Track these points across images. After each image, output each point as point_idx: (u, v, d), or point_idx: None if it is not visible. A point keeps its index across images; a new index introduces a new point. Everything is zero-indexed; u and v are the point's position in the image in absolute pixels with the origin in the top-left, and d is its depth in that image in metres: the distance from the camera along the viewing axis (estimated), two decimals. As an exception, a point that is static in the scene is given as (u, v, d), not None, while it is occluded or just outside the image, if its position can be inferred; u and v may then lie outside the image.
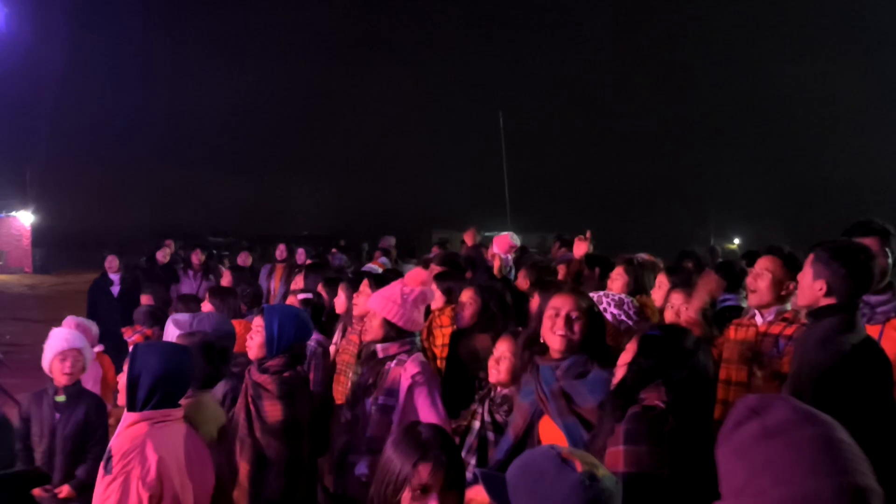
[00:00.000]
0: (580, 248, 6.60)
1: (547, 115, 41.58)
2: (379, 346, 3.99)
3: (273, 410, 3.80)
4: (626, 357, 2.82)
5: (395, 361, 3.92)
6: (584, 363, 3.14)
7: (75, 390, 4.57)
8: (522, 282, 6.31)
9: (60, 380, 4.51)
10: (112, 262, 9.71)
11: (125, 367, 3.08)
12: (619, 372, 2.82)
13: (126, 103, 41.84)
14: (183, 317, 4.84)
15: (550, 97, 42.58)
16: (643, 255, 6.19)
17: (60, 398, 4.50)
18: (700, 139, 39.86)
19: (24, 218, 34.51)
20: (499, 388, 3.61)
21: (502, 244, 7.50)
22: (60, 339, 4.56)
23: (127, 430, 2.96)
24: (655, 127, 42.01)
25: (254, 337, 4.01)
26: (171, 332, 4.81)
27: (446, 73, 45.23)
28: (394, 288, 4.08)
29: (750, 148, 37.62)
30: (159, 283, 8.49)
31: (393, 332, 3.99)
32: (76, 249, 32.71)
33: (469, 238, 8.61)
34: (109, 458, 2.88)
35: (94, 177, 39.71)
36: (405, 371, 3.86)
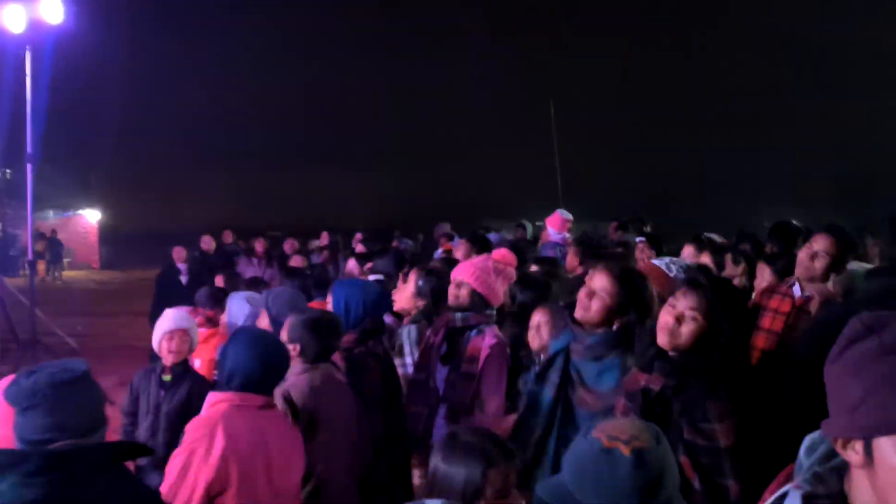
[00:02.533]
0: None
1: (598, 103, 41.05)
2: (459, 315, 3.99)
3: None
4: (692, 328, 2.78)
5: (474, 331, 3.95)
6: (606, 345, 3.08)
7: (181, 369, 4.62)
8: (572, 259, 6.40)
9: (167, 359, 4.56)
10: (180, 253, 10.07)
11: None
12: (685, 342, 2.80)
13: (187, 101, 42.37)
14: (255, 294, 5.09)
15: (601, 84, 42.05)
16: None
17: (167, 377, 4.56)
18: (752, 125, 39.03)
19: (91, 216, 35.60)
20: (542, 356, 3.59)
21: (554, 222, 7.57)
22: (168, 319, 4.63)
23: (206, 410, 3.03)
24: (708, 114, 41.22)
25: None
26: (240, 308, 5.05)
27: (496, 62, 44.99)
28: (486, 261, 4.10)
29: (803, 134, 36.69)
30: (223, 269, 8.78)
31: (480, 303, 4.00)
32: (140, 245, 33.54)
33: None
34: (182, 433, 2.95)
35: (156, 174, 40.53)
36: (484, 341, 3.88)
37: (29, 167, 10.72)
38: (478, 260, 4.15)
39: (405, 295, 4.49)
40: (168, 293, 9.57)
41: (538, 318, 3.73)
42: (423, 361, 4.15)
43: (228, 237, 12.72)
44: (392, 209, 27.99)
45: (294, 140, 44.77)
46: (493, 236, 9.51)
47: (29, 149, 10.53)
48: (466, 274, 4.03)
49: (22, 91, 10.95)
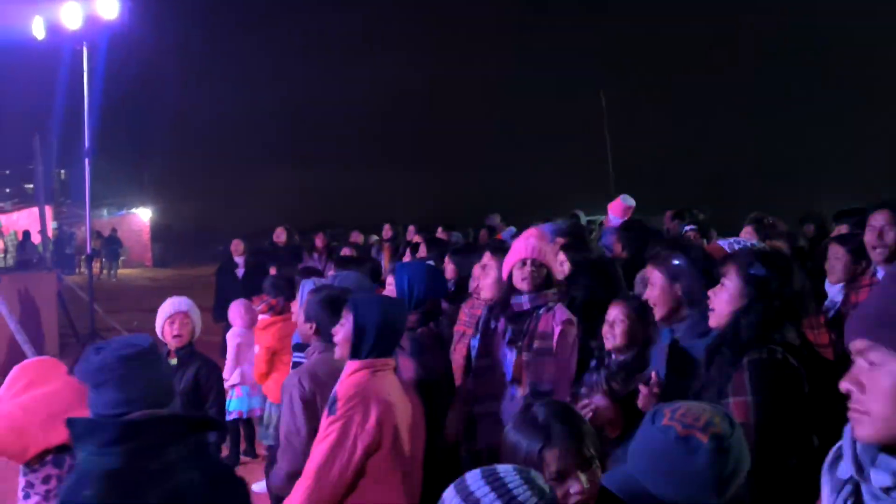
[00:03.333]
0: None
1: (650, 92, 40.52)
2: (526, 297, 3.94)
3: (406, 368, 3.80)
4: (723, 297, 2.75)
5: (543, 309, 3.91)
6: (702, 320, 3.03)
7: (187, 352, 4.71)
8: (616, 245, 6.27)
9: (171, 342, 4.65)
10: (238, 246, 10.14)
11: (346, 320, 3.22)
12: (720, 312, 2.76)
13: (239, 100, 42.71)
14: (323, 280, 5.03)
15: (654, 73, 41.29)
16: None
17: (173, 361, 4.65)
18: (809, 114, 38.18)
19: (143, 214, 36.29)
20: (614, 355, 3.48)
21: (616, 208, 7.42)
22: (169, 303, 4.73)
23: (350, 377, 3.12)
24: (765, 102, 40.42)
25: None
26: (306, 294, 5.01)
27: (544, 52, 44.56)
28: (542, 237, 4.08)
29: (861, 123, 35.73)
30: (286, 261, 8.83)
31: (551, 281, 3.98)
32: (192, 243, 34.06)
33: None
34: (335, 402, 3.05)
35: (208, 173, 41.08)
36: (555, 317, 3.85)
37: (87, 161, 10.83)
38: (534, 239, 4.04)
39: (488, 283, 4.35)
40: (225, 286, 9.65)
41: (615, 313, 3.50)
42: (486, 347, 4.10)
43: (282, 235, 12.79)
44: (443, 206, 27.92)
45: (346, 140, 45.04)
46: (547, 226, 9.36)
47: (86, 143, 10.66)
48: (537, 253, 3.96)
49: (75, 91, 11.11)
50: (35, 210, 25.36)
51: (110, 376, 2.19)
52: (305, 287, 5.04)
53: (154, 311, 4.86)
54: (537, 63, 44.68)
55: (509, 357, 3.95)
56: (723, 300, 2.76)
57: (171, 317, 4.66)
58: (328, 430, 3.01)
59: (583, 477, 2.09)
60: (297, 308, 5.06)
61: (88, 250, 11.81)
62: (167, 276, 29.03)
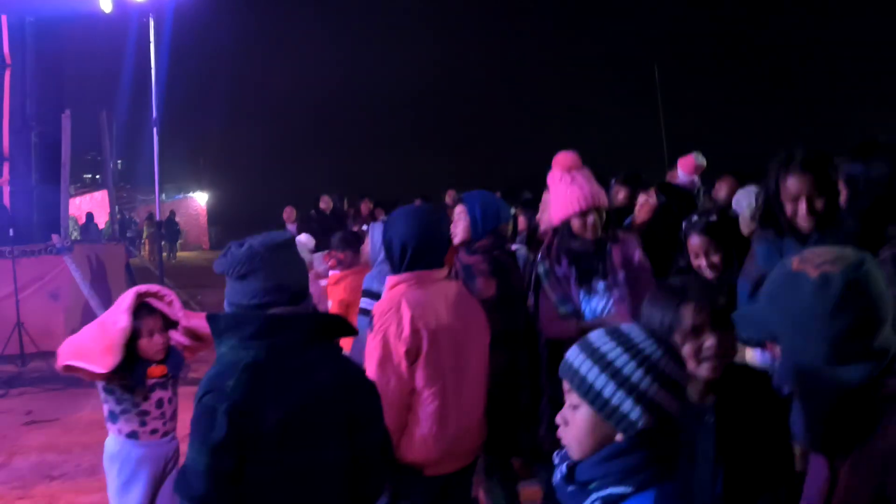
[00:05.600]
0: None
1: (705, 66, 39.70)
2: (580, 242, 3.96)
3: (487, 287, 3.83)
4: None
5: (609, 244, 3.94)
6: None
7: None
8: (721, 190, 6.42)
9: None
10: (290, 213, 10.40)
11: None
12: None
13: (296, 85, 42.84)
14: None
15: (709, 45, 40.35)
16: None
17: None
18: (864, 90, 37.04)
19: (200, 198, 36.93)
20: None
21: (687, 164, 7.31)
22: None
23: (387, 293, 3.12)
24: (825, 79, 39.37)
25: (457, 224, 4.08)
26: (380, 235, 5.13)
27: (596, 25, 43.87)
28: (589, 180, 4.01)
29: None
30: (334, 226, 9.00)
31: (609, 219, 4.00)
32: (247, 227, 34.49)
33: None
34: (372, 318, 3.04)
35: (263, 155, 41.55)
36: (628, 247, 3.92)
37: (155, 131, 11.08)
38: (587, 186, 3.97)
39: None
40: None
41: (698, 243, 3.61)
42: (564, 293, 4.07)
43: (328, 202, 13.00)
44: (491, 180, 27.91)
45: (401, 123, 45.06)
46: None
47: (154, 113, 10.90)
48: (595, 200, 3.92)
49: (138, 71, 11.33)
50: (96, 195, 26.01)
51: (259, 265, 2.21)
52: (374, 229, 5.18)
53: (216, 288, 5.05)
54: (592, 38, 44.17)
55: (581, 296, 3.96)
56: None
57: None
58: (370, 346, 3.00)
59: (718, 333, 2.12)
60: (369, 249, 5.23)
61: (157, 216, 12.09)
62: (225, 257, 29.50)
